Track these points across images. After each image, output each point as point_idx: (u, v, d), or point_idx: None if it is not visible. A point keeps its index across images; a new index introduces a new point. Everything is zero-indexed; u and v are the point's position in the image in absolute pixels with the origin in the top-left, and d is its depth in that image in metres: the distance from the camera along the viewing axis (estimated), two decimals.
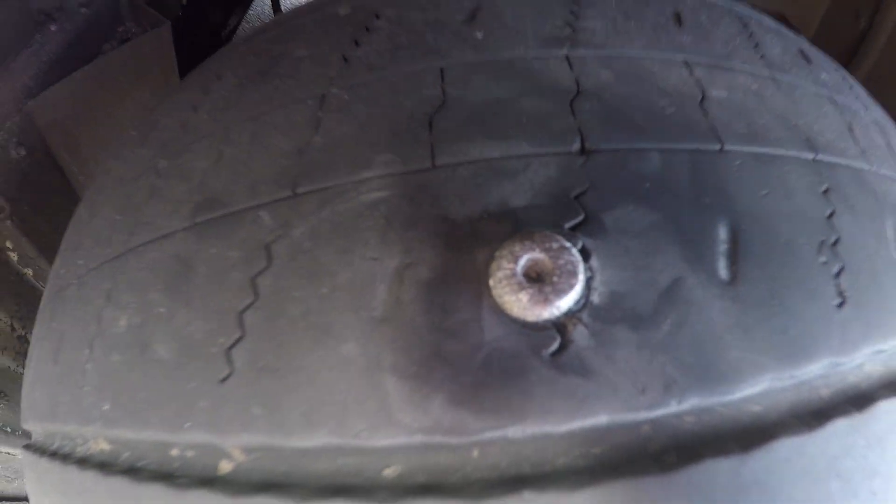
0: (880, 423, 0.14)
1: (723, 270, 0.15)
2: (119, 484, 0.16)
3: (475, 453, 0.13)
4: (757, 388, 0.14)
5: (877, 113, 0.23)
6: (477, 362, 0.14)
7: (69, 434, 0.19)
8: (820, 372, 0.14)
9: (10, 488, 0.46)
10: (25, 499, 0.48)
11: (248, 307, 0.15)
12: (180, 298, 0.16)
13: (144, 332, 0.16)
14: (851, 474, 0.14)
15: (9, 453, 0.44)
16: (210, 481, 0.15)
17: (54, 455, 0.19)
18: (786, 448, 0.13)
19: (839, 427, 0.14)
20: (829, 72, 0.22)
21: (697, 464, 0.13)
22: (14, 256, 0.43)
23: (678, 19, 0.20)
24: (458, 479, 0.13)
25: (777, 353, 0.14)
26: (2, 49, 0.43)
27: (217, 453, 0.15)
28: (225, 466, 0.15)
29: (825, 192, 0.17)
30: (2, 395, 0.41)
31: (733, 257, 0.15)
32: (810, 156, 0.17)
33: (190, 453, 0.15)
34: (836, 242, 0.16)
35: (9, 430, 0.42)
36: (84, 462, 0.18)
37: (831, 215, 0.17)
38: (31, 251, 0.44)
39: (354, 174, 0.16)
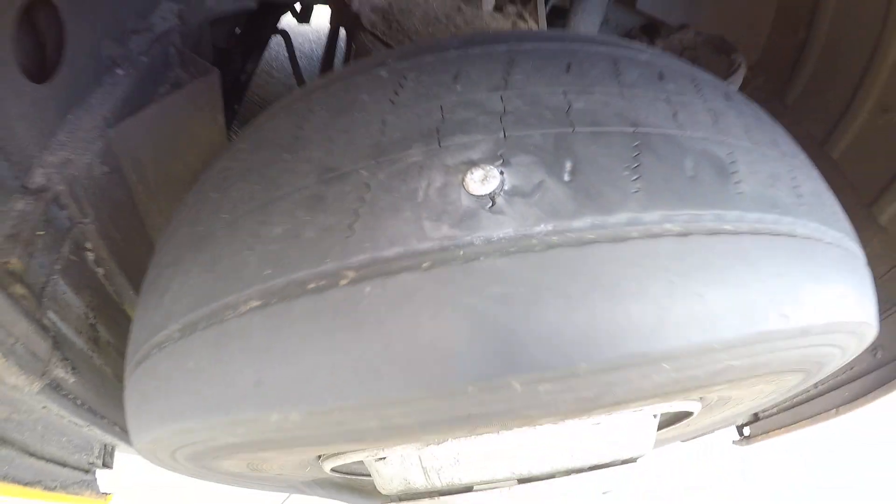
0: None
1: (567, 175, 0.31)
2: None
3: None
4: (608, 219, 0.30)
5: (719, 104, 0.37)
6: (461, 209, 0.30)
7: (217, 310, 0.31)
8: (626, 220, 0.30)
9: (73, 459, 0.53)
10: (85, 470, 0.54)
11: None
12: None
13: None
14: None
15: (75, 423, 0.51)
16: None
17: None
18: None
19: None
20: (677, 82, 0.37)
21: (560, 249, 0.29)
22: (91, 256, 0.53)
23: (568, 68, 0.36)
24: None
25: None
26: (81, 88, 0.55)
27: None
28: None
29: (636, 145, 0.32)
30: (75, 370, 0.50)
31: (574, 173, 0.31)
32: (630, 129, 0.33)
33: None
34: (637, 167, 0.31)
35: (79, 402, 0.51)
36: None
37: (637, 156, 0.31)
38: (104, 253, 0.54)
39: None
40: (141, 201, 0.60)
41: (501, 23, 0.72)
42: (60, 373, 0.48)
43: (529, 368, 0.28)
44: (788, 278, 0.31)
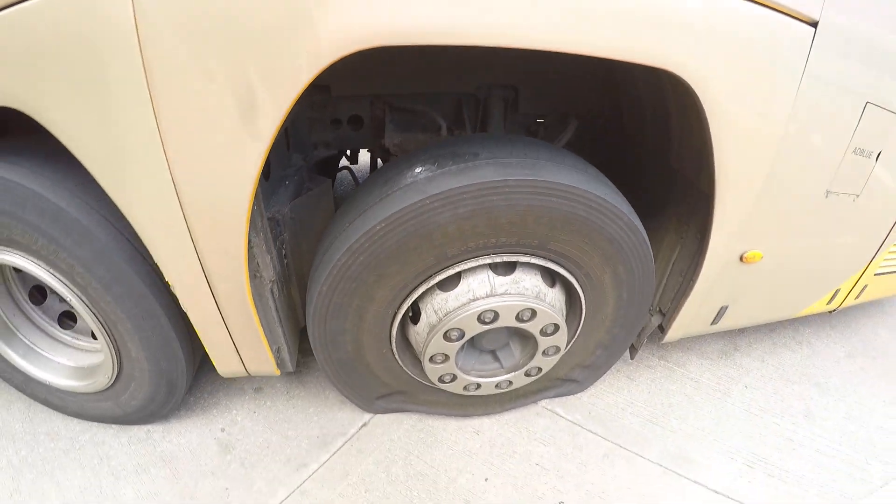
0: None
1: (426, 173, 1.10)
2: None
3: None
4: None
5: (471, 148, 1.12)
6: None
7: None
8: None
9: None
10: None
11: None
12: None
13: None
14: None
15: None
16: None
17: None
18: None
19: None
20: (473, 143, 1.15)
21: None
22: (284, 247, 1.34)
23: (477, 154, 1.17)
24: None
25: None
26: (277, 185, 1.41)
27: None
28: None
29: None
30: (281, 286, 1.27)
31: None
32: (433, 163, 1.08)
33: None
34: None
35: (277, 306, 1.26)
36: None
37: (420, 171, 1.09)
38: (289, 247, 1.34)
39: None
40: (294, 256, 1.42)
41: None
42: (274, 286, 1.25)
43: None
44: None
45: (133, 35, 0.78)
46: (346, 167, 2.14)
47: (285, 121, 0.87)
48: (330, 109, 1.54)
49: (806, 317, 2.29)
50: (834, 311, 1.92)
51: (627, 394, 1.69)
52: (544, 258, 1.20)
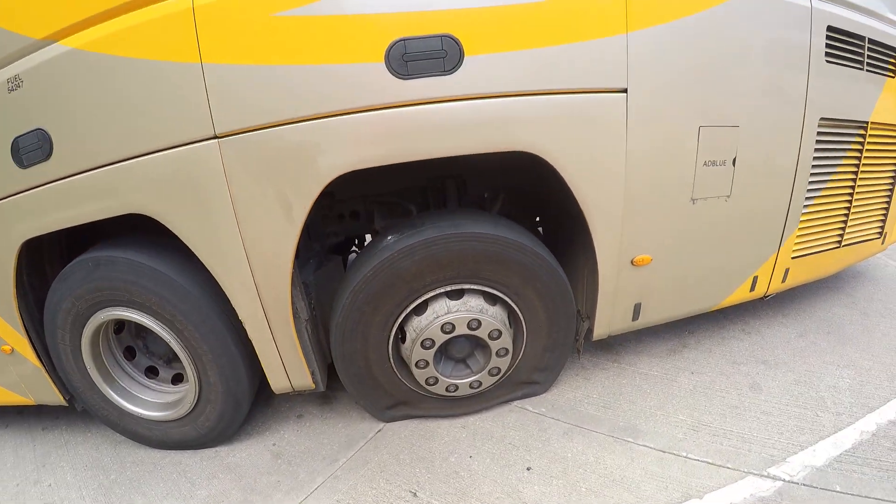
0: None
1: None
2: None
3: None
4: None
5: (421, 220, 1.84)
6: None
7: None
8: None
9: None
10: None
11: None
12: None
13: None
14: None
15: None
16: None
17: None
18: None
19: None
20: (423, 217, 1.97)
21: None
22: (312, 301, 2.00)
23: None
24: None
25: None
26: (306, 264, 2.12)
27: None
28: None
29: None
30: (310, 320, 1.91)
31: None
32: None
33: None
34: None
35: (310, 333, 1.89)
36: None
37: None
38: (314, 302, 2.00)
39: None
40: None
41: None
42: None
43: None
44: None
45: (222, 174, 1.55)
46: (354, 250, 2.91)
47: (308, 217, 1.59)
48: (336, 208, 2.28)
49: (755, 310, 2.73)
50: (767, 296, 2.38)
51: (584, 390, 2.19)
52: (480, 284, 1.84)
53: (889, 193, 2.69)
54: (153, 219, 1.66)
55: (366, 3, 1.44)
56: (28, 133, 1.65)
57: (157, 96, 1.51)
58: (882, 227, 2.77)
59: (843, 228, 2.48)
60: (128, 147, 1.58)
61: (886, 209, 2.72)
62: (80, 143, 1.61)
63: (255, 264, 1.67)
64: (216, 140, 1.52)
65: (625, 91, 1.64)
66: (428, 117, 1.51)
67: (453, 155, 1.57)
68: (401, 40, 1.45)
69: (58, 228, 1.76)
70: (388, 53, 1.45)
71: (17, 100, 1.62)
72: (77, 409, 2.26)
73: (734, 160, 1.91)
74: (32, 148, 1.66)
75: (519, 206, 2.42)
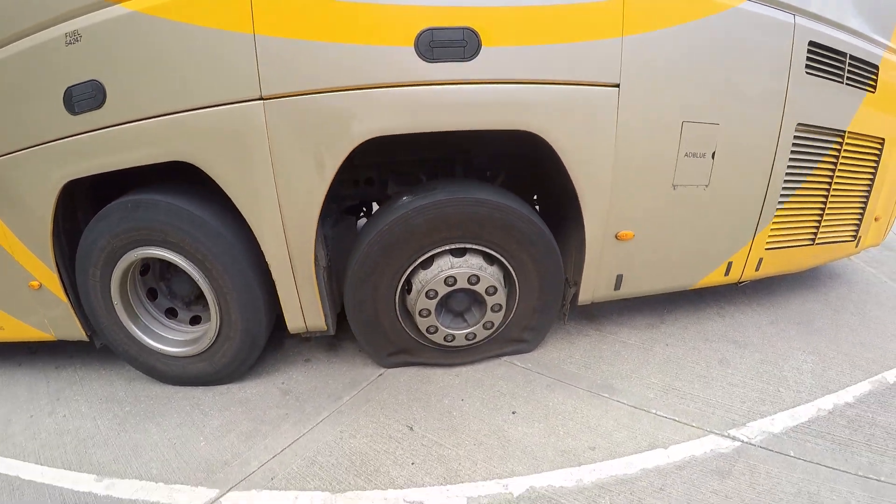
0: None
1: None
2: None
3: None
4: None
5: (435, 185, 2.22)
6: None
7: None
8: None
9: None
10: None
11: None
12: None
13: None
14: None
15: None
16: None
17: None
18: None
19: None
20: (436, 183, 2.26)
21: None
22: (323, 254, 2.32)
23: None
24: None
25: None
26: (326, 221, 2.45)
27: None
28: None
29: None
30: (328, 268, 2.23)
31: None
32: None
33: None
34: None
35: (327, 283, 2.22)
36: None
37: None
38: (325, 251, 2.33)
39: None
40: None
41: None
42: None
43: None
44: None
45: (264, 131, 1.86)
46: (363, 216, 3.24)
47: (335, 175, 1.90)
48: (353, 174, 2.59)
49: (732, 297, 3.08)
50: (740, 283, 2.71)
51: (568, 352, 2.52)
52: (482, 245, 2.16)
53: (865, 199, 3.03)
54: (186, 169, 1.96)
55: None
56: (82, 83, 1.93)
57: (211, 59, 1.81)
58: (856, 231, 3.11)
59: (817, 227, 2.82)
60: (179, 102, 1.87)
61: (861, 214, 3.06)
62: (134, 95, 1.90)
63: (286, 213, 1.98)
64: (262, 101, 1.83)
65: (617, 86, 1.96)
66: (448, 96, 1.83)
67: (467, 129, 1.89)
68: (429, 29, 1.77)
69: (102, 171, 2.03)
70: (418, 40, 1.77)
71: (74, 52, 1.90)
72: (96, 346, 2.55)
73: (713, 154, 2.24)
74: (85, 97, 1.94)
75: (518, 184, 2.73)
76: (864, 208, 3.05)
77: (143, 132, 1.94)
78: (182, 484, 1.82)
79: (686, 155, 2.18)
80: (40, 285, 2.39)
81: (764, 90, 2.28)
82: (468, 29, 1.80)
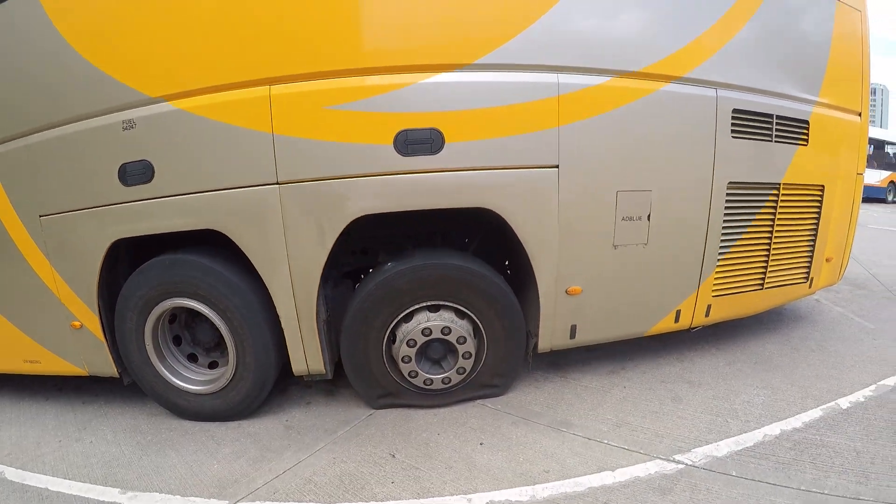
0: None
1: None
2: None
3: None
4: None
5: (412, 254, 2.96)
6: None
7: None
8: None
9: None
10: None
11: None
12: None
13: None
14: None
15: None
16: None
17: None
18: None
19: None
20: (413, 252, 3.03)
21: None
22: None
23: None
24: None
25: None
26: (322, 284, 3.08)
27: None
28: None
29: None
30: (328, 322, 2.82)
31: None
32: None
33: None
34: None
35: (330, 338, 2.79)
36: None
37: None
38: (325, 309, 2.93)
39: None
40: None
41: None
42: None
43: None
44: None
45: (279, 208, 2.53)
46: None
47: (334, 245, 2.55)
48: (349, 245, 3.17)
49: (692, 343, 3.54)
50: (692, 329, 3.20)
51: (534, 395, 3.02)
52: (454, 302, 2.75)
53: (811, 243, 3.52)
54: (215, 235, 2.60)
55: (383, 105, 2.46)
56: (135, 162, 2.61)
57: (239, 151, 2.51)
58: (807, 273, 3.59)
59: (764, 273, 3.32)
60: (214, 182, 2.56)
61: (810, 257, 3.54)
62: (177, 175, 2.59)
63: (294, 273, 2.61)
64: (277, 185, 2.51)
65: (557, 167, 2.62)
66: (421, 183, 2.51)
67: (435, 208, 2.54)
68: (404, 131, 2.47)
69: (145, 234, 2.69)
70: (396, 139, 2.46)
71: (129, 136, 2.59)
72: (124, 383, 3.11)
73: (648, 216, 2.83)
74: (137, 173, 2.62)
75: (490, 250, 3.33)
76: (811, 251, 3.53)
77: (182, 205, 2.61)
78: (197, 497, 2.32)
79: (623, 219, 2.78)
80: (81, 325, 2.98)
81: (692, 156, 2.89)
82: (434, 129, 2.49)
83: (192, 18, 2.49)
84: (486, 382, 2.97)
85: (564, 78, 2.58)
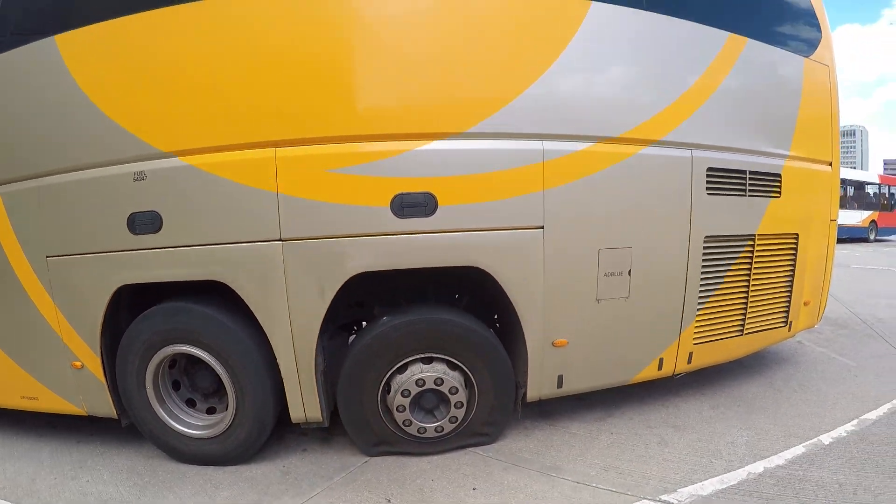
0: None
1: None
2: None
3: None
4: None
5: (407, 310, 3.20)
6: None
7: None
8: None
9: None
10: None
11: None
12: None
13: None
14: None
15: None
16: None
17: None
18: None
19: None
20: (407, 307, 3.20)
21: None
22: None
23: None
24: None
25: None
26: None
27: None
28: None
29: None
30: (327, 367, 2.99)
31: None
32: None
33: None
34: None
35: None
36: None
37: None
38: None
39: None
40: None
41: None
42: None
43: None
44: None
45: (281, 263, 2.74)
46: (354, 332, 4.09)
47: (333, 299, 2.74)
48: (347, 299, 3.30)
49: (677, 389, 3.72)
50: (675, 375, 3.39)
51: (524, 442, 3.18)
52: (445, 354, 2.94)
53: (788, 288, 3.75)
54: (219, 285, 2.78)
55: (381, 170, 2.70)
56: (144, 212, 2.81)
57: (245, 207, 2.71)
58: (786, 317, 3.81)
59: (743, 320, 3.54)
60: (220, 236, 2.76)
61: (788, 302, 3.77)
62: (185, 227, 2.78)
63: (294, 325, 2.80)
64: (280, 241, 2.72)
65: (542, 227, 2.85)
66: (415, 243, 2.73)
67: (429, 267, 2.76)
68: (400, 194, 2.70)
69: (151, 281, 2.86)
70: (392, 201, 2.70)
71: (139, 188, 2.78)
72: (122, 424, 3.22)
73: (629, 271, 3.06)
74: (146, 223, 2.80)
75: (481, 305, 3.51)
76: (789, 296, 3.76)
77: (188, 255, 2.80)
78: None
79: (605, 274, 3.00)
80: (82, 366, 3.08)
81: (669, 214, 3.14)
82: (428, 193, 2.72)
83: (205, 81, 2.74)
84: (477, 431, 3.13)
85: (549, 145, 2.84)
